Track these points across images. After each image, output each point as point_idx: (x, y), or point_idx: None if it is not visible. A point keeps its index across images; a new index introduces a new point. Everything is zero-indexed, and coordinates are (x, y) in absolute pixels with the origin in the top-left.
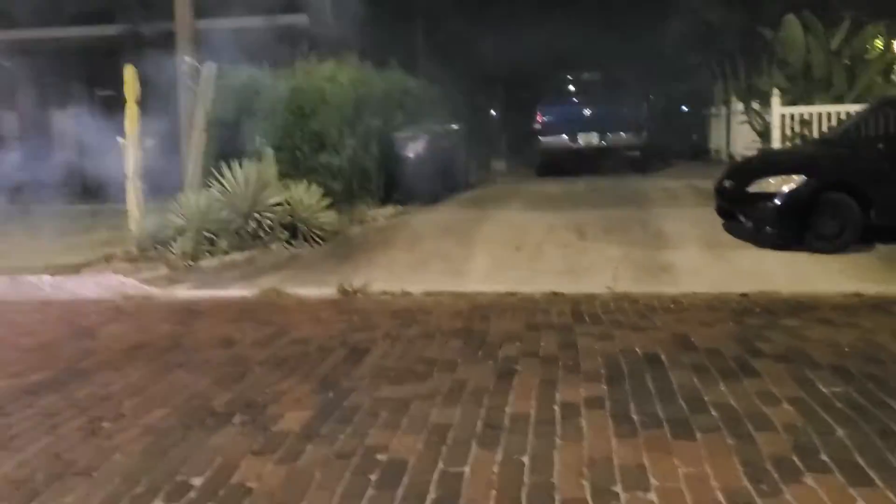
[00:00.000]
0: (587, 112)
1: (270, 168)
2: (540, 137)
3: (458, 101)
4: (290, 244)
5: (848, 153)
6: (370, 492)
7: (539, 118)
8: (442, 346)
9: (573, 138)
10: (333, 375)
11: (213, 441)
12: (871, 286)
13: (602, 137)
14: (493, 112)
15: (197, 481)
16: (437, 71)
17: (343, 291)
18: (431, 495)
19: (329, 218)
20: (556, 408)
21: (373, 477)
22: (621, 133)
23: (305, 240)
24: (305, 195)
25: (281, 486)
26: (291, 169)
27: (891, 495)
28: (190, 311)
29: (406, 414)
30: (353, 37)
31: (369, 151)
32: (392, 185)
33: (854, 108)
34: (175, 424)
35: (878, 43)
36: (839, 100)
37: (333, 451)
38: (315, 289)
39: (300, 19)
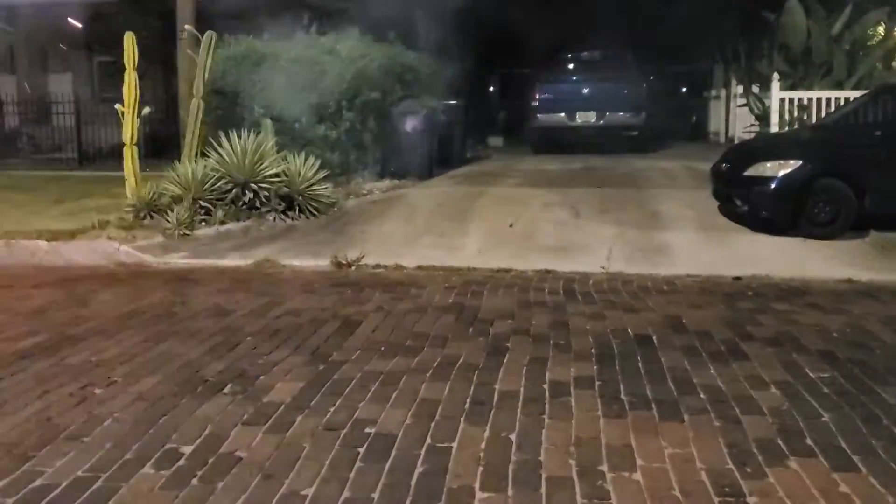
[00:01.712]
0: (585, 90)
1: (268, 139)
2: (538, 115)
3: (457, 76)
4: (286, 215)
5: (845, 140)
6: (358, 464)
7: (537, 95)
8: (433, 321)
9: (571, 116)
10: (325, 347)
11: (204, 410)
12: (863, 273)
13: (600, 116)
14: (491, 88)
15: (187, 449)
16: (437, 46)
17: (337, 264)
18: (419, 469)
19: (325, 190)
20: (546, 386)
21: (361, 449)
22: (619, 113)
23: (301, 211)
24: (303, 167)
25: (270, 456)
26: (289, 140)
27: (873, 481)
28: (184, 280)
29: (396, 388)
30: (354, 10)
31: (367, 125)
32: (389, 158)
33: (853, 95)
34: (166, 392)
35: (880, 30)
36: (839, 86)
37: (323, 422)
38: (309, 260)
39: None
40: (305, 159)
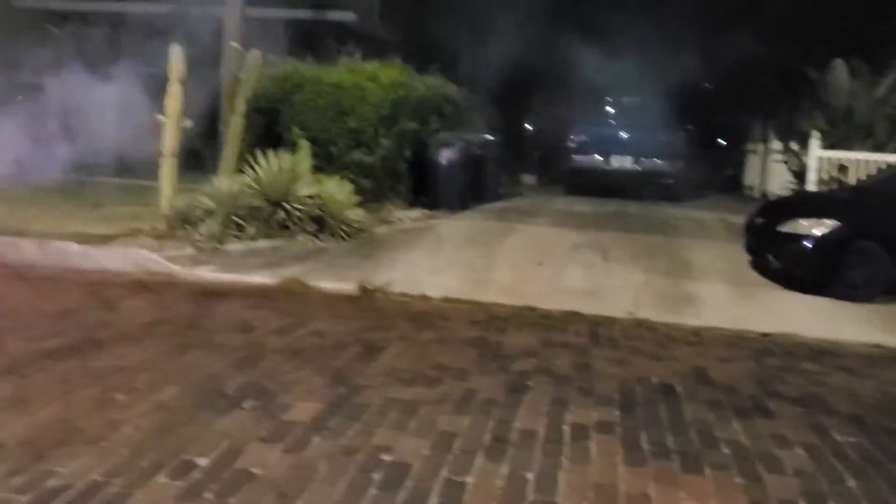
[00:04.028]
0: (623, 135)
1: (305, 160)
2: (573, 156)
3: (495, 112)
4: (317, 237)
5: (884, 203)
6: (372, 491)
7: (574, 136)
8: (456, 354)
9: (606, 160)
10: (346, 371)
11: (222, 424)
12: (895, 339)
13: (636, 162)
14: (528, 126)
15: (202, 461)
16: (477, 80)
17: (363, 289)
18: (432, 500)
19: (357, 215)
20: (566, 428)
21: (376, 476)
22: (656, 159)
23: (332, 234)
24: (336, 190)
25: (284, 475)
26: (325, 163)
27: None
28: (211, 293)
29: (414, 417)
30: (398, 39)
31: (403, 153)
32: (422, 188)
33: (893, 158)
34: (186, 403)
35: None
36: (879, 148)
37: (340, 445)
38: (336, 283)
39: (348, 17)
40: (340, 183)
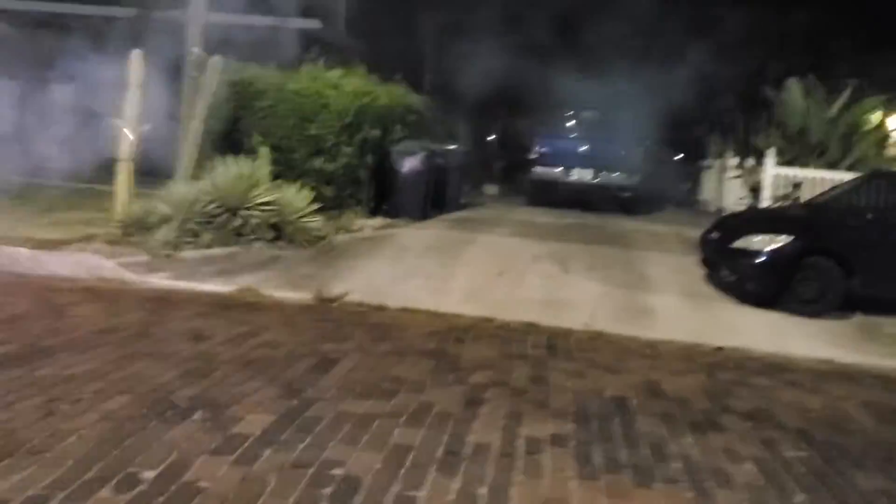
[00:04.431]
0: (584, 148)
1: (264, 167)
2: (535, 167)
3: (458, 122)
4: (274, 245)
5: (836, 220)
6: None
7: (536, 148)
8: (413, 366)
9: (567, 172)
10: (300, 383)
11: (171, 435)
12: (845, 354)
13: (596, 175)
14: (491, 137)
15: (148, 474)
16: (441, 91)
17: (320, 298)
18: None
19: (316, 223)
20: (520, 441)
21: (327, 490)
22: (615, 173)
23: (290, 242)
24: (295, 198)
25: (233, 488)
26: (285, 170)
27: None
28: (164, 301)
29: (368, 430)
30: (362, 48)
31: (364, 161)
32: (384, 197)
33: (846, 176)
34: (134, 414)
35: (876, 116)
36: (832, 166)
37: (290, 459)
38: (292, 292)
39: (312, 24)
40: (299, 190)
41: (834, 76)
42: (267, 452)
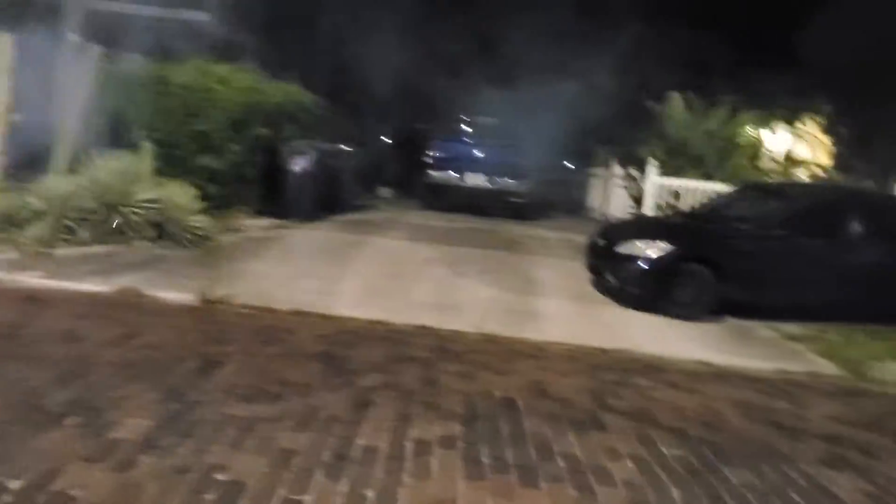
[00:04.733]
0: (478, 154)
1: (146, 162)
2: (429, 171)
3: (352, 123)
4: (157, 244)
5: (712, 229)
6: None
7: (431, 152)
8: (300, 369)
9: (461, 177)
10: (182, 386)
11: (40, 442)
12: (717, 356)
13: (489, 180)
14: (385, 139)
15: (14, 484)
16: (335, 91)
17: (205, 300)
18: None
19: (202, 222)
20: (409, 444)
21: (209, 496)
22: (508, 179)
23: (173, 241)
24: (180, 195)
25: (108, 497)
26: (169, 167)
27: None
28: (36, 301)
29: (253, 434)
30: (253, 44)
31: (253, 160)
32: (273, 197)
33: (722, 187)
34: (0, 420)
35: (750, 130)
36: (709, 177)
37: (170, 465)
38: (175, 293)
39: (201, 17)
40: (184, 188)
41: (712, 92)
42: (145, 458)
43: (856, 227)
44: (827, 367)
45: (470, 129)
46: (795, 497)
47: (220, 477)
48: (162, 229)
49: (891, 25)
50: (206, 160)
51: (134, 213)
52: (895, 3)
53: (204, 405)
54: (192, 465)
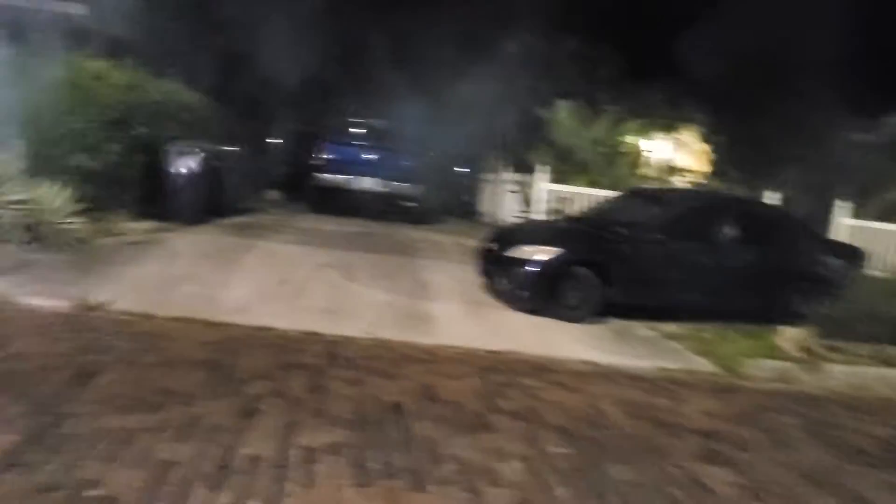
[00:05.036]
0: (368, 157)
1: (14, 162)
2: (319, 174)
3: (239, 124)
4: (29, 247)
5: (597, 234)
6: None
7: (321, 155)
8: (183, 377)
9: (352, 180)
10: (53, 398)
11: None
12: (602, 356)
13: (380, 184)
14: (273, 141)
15: None
16: (221, 91)
17: (81, 306)
18: None
19: (77, 225)
20: (295, 452)
21: None
22: (399, 182)
23: (47, 245)
24: (53, 197)
25: None
26: (43, 167)
27: None
28: None
29: (129, 447)
30: (134, 39)
31: (134, 160)
32: (155, 199)
33: (607, 193)
34: None
35: (633, 139)
36: (595, 184)
37: (37, 482)
38: (48, 300)
39: (78, 10)
40: (58, 189)
41: (598, 101)
42: (9, 476)
43: (729, 231)
44: (703, 365)
45: (361, 132)
46: (674, 492)
47: (91, 493)
48: (34, 232)
49: (763, 38)
50: (83, 160)
51: (3, 215)
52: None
53: (77, 418)
54: (61, 483)
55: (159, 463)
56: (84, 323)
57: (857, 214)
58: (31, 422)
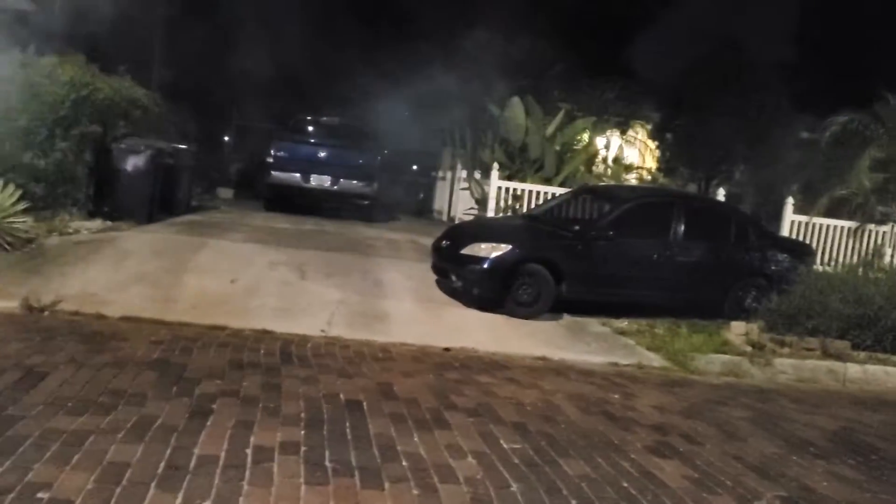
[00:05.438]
0: (322, 154)
1: None
2: (272, 172)
3: (190, 121)
4: None
5: (549, 230)
6: None
7: (273, 152)
8: (133, 378)
9: (305, 178)
10: (2, 400)
11: None
12: (556, 351)
13: (334, 182)
14: (225, 138)
15: None
16: (172, 87)
17: (27, 307)
18: None
19: (24, 224)
20: (249, 451)
21: None
22: (353, 181)
23: None
24: None
25: None
26: None
27: None
28: None
29: (80, 449)
30: (82, 36)
31: (82, 158)
32: (104, 197)
33: (560, 190)
34: None
35: (585, 136)
36: (548, 181)
37: None
38: None
39: (25, 5)
40: (4, 187)
41: (551, 99)
42: None
43: (678, 228)
44: (654, 360)
45: (314, 129)
46: (626, 485)
47: (42, 496)
48: None
49: (714, 38)
50: (29, 158)
51: None
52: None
53: (25, 420)
54: (11, 485)
55: (111, 464)
56: (32, 323)
57: (806, 211)
58: None
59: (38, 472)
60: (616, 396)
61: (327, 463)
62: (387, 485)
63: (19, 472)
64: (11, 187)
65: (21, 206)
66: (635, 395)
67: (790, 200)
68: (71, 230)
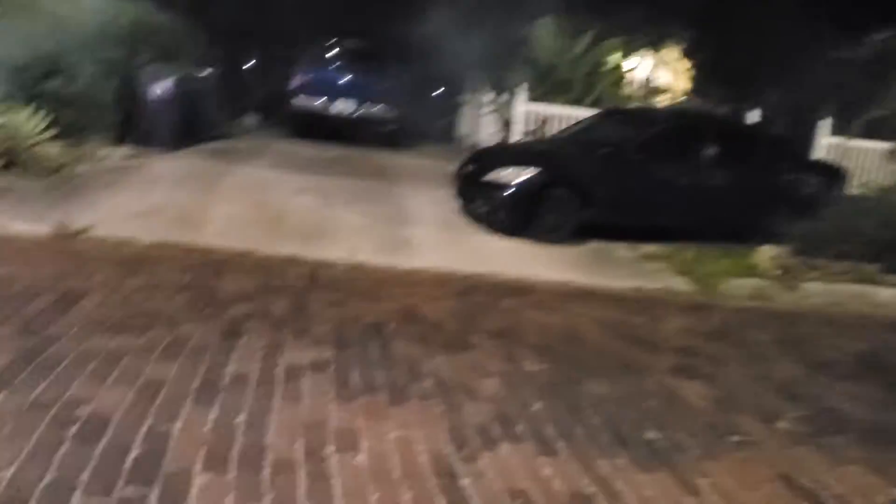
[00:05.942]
0: (346, 79)
1: None
2: (296, 98)
3: (215, 46)
4: (6, 174)
5: (576, 154)
6: (66, 446)
7: (297, 78)
8: (166, 300)
9: (329, 104)
10: (39, 321)
11: None
12: (581, 276)
13: (358, 107)
14: (251, 63)
15: None
16: (196, 11)
17: (61, 232)
18: (134, 452)
19: (54, 150)
20: (280, 370)
21: (71, 430)
22: (378, 106)
23: (24, 171)
24: (27, 122)
25: None
26: (15, 91)
27: (570, 463)
28: None
29: (117, 367)
30: None
31: (109, 84)
32: (132, 124)
33: (588, 113)
34: None
35: (614, 57)
36: (577, 103)
37: (28, 401)
38: (27, 225)
39: None
40: (32, 114)
41: (579, 18)
42: (1, 395)
43: (709, 151)
44: (681, 284)
45: (338, 54)
46: (649, 404)
47: (81, 411)
48: (10, 159)
49: None
50: (57, 84)
51: None
52: None
53: (64, 339)
54: (52, 401)
55: (147, 382)
56: (66, 248)
57: (840, 133)
58: (18, 343)
59: (77, 389)
60: (641, 320)
61: (354, 381)
62: (412, 402)
63: (60, 388)
64: (40, 114)
65: (50, 133)
66: (661, 318)
67: (825, 122)
68: (101, 157)
